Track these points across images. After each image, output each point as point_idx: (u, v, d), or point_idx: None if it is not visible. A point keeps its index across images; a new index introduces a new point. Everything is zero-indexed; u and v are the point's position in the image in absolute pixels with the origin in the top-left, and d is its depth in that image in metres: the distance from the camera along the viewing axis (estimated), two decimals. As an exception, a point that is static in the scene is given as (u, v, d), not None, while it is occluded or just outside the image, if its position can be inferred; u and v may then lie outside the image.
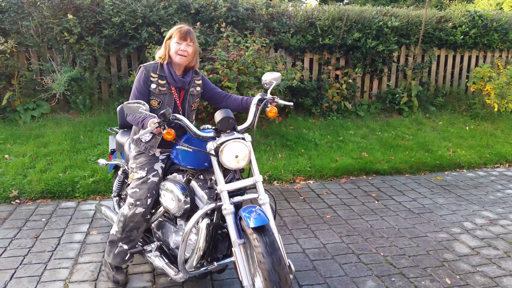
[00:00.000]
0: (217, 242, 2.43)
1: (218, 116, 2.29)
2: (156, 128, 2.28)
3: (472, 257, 3.31)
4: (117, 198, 3.45)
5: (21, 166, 4.78)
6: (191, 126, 2.36)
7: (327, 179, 5.14)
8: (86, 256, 3.24)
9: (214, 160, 2.30)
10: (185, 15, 6.34)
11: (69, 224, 3.81)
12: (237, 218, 2.21)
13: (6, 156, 4.96)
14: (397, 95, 7.19)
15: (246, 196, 2.35)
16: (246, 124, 2.45)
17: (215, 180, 2.37)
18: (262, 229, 2.07)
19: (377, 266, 3.14)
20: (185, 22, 3.53)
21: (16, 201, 4.29)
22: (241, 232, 2.20)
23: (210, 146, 2.30)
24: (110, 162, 3.56)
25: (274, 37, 6.65)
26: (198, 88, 2.78)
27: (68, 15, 5.74)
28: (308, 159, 5.43)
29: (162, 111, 2.24)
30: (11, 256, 3.24)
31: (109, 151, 3.68)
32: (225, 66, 5.38)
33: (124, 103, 2.28)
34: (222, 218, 2.33)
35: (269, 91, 2.64)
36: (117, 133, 3.42)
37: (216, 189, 2.36)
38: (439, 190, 4.83)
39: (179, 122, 2.35)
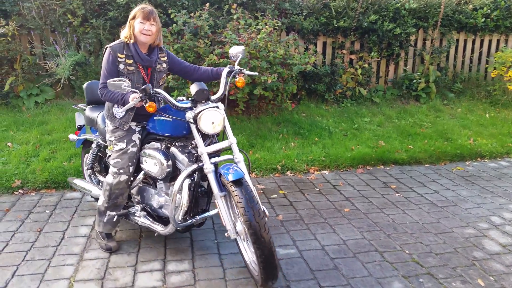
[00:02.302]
0: (198, 199, 2.79)
1: (194, 88, 2.59)
2: (138, 102, 2.56)
3: (504, 256, 3.08)
4: (90, 170, 3.66)
5: (24, 155, 4.59)
6: (170, 99, 2.62)
7: (342, 169, 4.90)
8: (92, 252, 3.05)
9: (193, 127, 2.62)
10: (194, -4, 6.06)
11: (74, 217, 3.62)
12: (217, 175, 2.58)
13: (9, 143, 4.77)
14: (414, 81, 6.89)
15: (222, 157, 2.71)
16: (218, 94, 2.75)
17: (194, 145, 2.74)
18: (239, 182, 2.45)
19: (403, 266, 2.92)
20: (147, 2, 3.60)
21: (19, 191, 4.11)
22: (221, 186, 2.58)
23: (189, 115, 2.60)
24: (80, 137, 3.70)
25: (286, 19, 6.35)
26: (164, 65, 2.98)
27: (72, -4, 5.49)
28: (322, 148, 5.19)
29: (143, 87, 2.51)
30: (13, 251, 3.06)
31: (76, 127, 3.82)
32: (236, 49, 5.11)
33: (108, 81, 2.49)
34: (201, 178, 2.74)
35: (236, 63, 2.91)
36: (84, 109, 3.61)
37: (194, 153, 2.75)
38: (461, 181, 4.58)
39: (158, 95, 2.64)
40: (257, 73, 3.27)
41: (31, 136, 4.96)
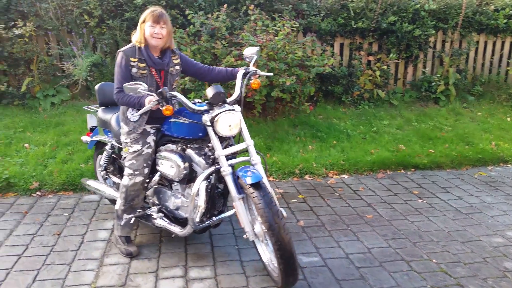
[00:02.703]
0: (215, 200, 2.81)
1: (210, 91, 2.59)
2: (155, 105, 2.56)
3: (537, 267, 2.97)
4: (103, 172, 3.62)
5: (42, 156, 4.57)
6: (187, 101, 2.63)
7: (362, 173, 4.81)
8: (112, 257, 3.01)
9: (210, 130, 2.61)
10: (210, -3, 6.00)
11: (93, 220, 3.58)
12: (235, 178, 2.58)
13: (26, 145, 4.76)
14: (434, 83, 6.76)
15: (239, 159, 2.71)
16: (234, 96, 2.74)
17: (211, 147, 2.73)
18: (258, 185, 2.45)
19: (431, 276, 2.83)
20: (157, 5, 3.71)
21: (37, 193, 4.09)
22: (239, 188, 2.57)
23: (206, 118, 2.60)
24: (93, 139, 3.68)
25: (303, 20, 6.27)
26: (177, 67, 2.98)
27: (89, -4, 5.47)
28: (341, 152, 5.10)
29: (159, 90, 2.53)
30: (34, 255, 3.03)
31: (88, 128, 3.81)
32: (254, 51, 5.04)
33: (125, 84, 2.51)
34: (218, 180, 2.75)
35: (251, 64, 2.91)
36: (96, 111, 3.59)
37: (210, 155, 2.76)
38: (484, 187, 4.46)
39: (174, 98, 2.65)
40: (271, 74, 3.25)
41: (48, 137, 4.94)
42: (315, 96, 6.39)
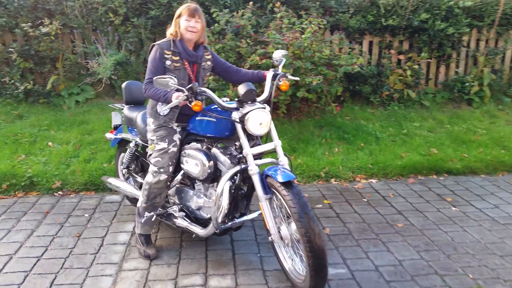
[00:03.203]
0: (238, 202, 2.73)
1: (243, 88, 2.54)
2: (184, 100, 2.50)
3: None
4: (125, 170, 3.59)
5: (65, 155, 4.55)
6: (217, 98, 2.57)
7: (391, 178, 4.60)
8: (132, 262, 2.92)
9: (239, 127, 2.55)
10: (236, -6, 5.88)
11: (113, 222, 3.52)
12: (262, 177, 2.50)
13: (50, 143, 4.75)
14: (467, 84, 6.46)
15: (266, 160, 2.66)
16: (263, 96, 2.71)
17: (237, 146, 2.69)
18: (290, 184, 2.37)
19: (468, 293, 2.63)
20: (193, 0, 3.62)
21: (59, 192, 4.06)
22: (266, 188, 2.50)
23: (236, 115, 2.55)
24: (117, 136, 3.64)
25: (331, 17, 6.08)
26: (209, 63, 2.99)
27: (114, -6, 5.43)
28: (369, 155, 4.90)
29: (189, 85, 2.46)
30: (52, 257, 2.97)
31: (112, 126, 3.77)
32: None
33: (154, 78, 2.46)
34: (242, 181, 2.67)
35: (280, 67, 2.89)
36: (121, 109, 3.59)
37: (236, 155, 2.69)
38: (523, 195, 4.19)
39: (205, 94, 2.58)
40: (298, 79, 3.29)
41: (72, 135, 4.93)
42: (341, 96, 6.20)
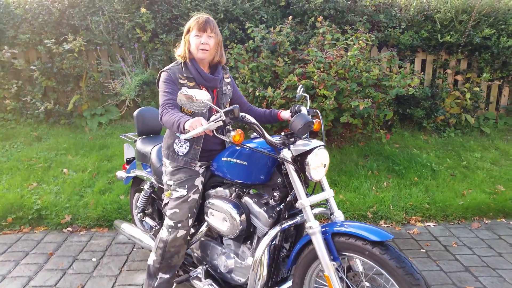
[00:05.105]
0: (279, 265, 2.21)
1: (299, 121, 2.00)
2: (216, 127, 1.87)
3: None
4: (141, 214, 3.03)
5: (79, 184, 4.11)
6: (263, 129, 1.96)
7: (452, 221, 3.88)
8: (136, 330, 2.38)
9: (291, 169, 1.99)
10: (273, 8, 5.38)
11: (123, 270, 3.00)
12: (327, 238, 1.92)
13: (65, 170, 4.34)
14: (536, 109, 5.64)
15: (317, 210, 2.19)
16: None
17: (275, 196, 2.15)
18: (385, 246, 1.78)
19: None
20: (205, 12, 2.97)
21: (68, 228, 3.62)
22: (334, 251, 1.91)
23: (287, 153, 1.99)
24: (129, 174, 3.12)
25: (379, 33, 5.45)
26: (229, 87, 2.49)
27: (141, 9, 5.02)
28: (425, 191, 4.20)
29: (229, 108, 1.85)
30: (44, 318, 2.47)
31: (124, 160, 3.24)
32: (321, 69, 4.30)
33: (180, 91, 1.86)
34: (284, 239, 2.20)
35: (308, 104, 2.42)
36: (134, 140, 3.08)
37: (273, 206, 2.14)
38: None
39: (247, 122, 1.93)
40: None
41: (89, 161, 4.50)
42: (390, 121, 5.51)
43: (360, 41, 4.41)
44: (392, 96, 4.42)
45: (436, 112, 5.52)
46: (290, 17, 4.90)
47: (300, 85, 2.53)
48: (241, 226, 2.15)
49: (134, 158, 3.19)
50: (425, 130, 5.57)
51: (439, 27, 5.45)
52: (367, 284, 1.89)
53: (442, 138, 5.46)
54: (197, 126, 1.88)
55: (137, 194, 3.18)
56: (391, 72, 4.78)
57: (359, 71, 4.40)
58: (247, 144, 2.07)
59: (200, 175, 2.37)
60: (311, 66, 4.34)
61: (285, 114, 2.43)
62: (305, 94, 2.48)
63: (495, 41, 5.38)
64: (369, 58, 4.94)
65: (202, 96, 1.84)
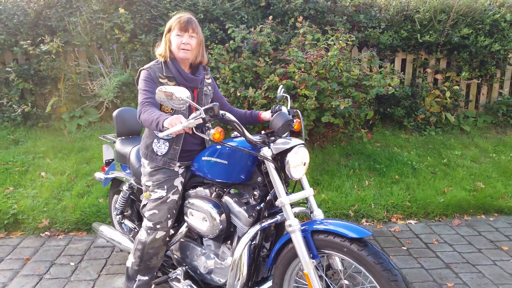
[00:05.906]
0: (259, 265, 2.19)
1: (279, 119, 2.01)
2: (196, 125, 1.84)
3: None
4: (119, 216, 2.97)
5: (57, 187, 4.03)
6: (243, 128, 1.96)
7: (433, 218, 3.91)
8: (114, 335, 2.32)
9: (271, 168, 1.97)
10: (254, 9, 5.37)
11: (102, 274, 2.95)
12: (305, 235, 1.91)
13: (43, 173, 4.24)
14: (514, 106, 5.74)
15: (297, 209, 2.17)
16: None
17: (256, 196, 2.12)
18: (363, 242, 1.78)
19: None
20: (187, 11, 2.95)
21: (46, 233, 3.54)
22: (313, 249, 1.89)
23: (267, 152, 1.98)
24: (108, 176, 3.06)
25: (360, 33, 5.48)
26: (210, 88, 2.47)
27: (120, 9, 4.95)
28: (406, 189, 4.23)
29: (209, 106, 1.82)
30: (19, 325, 2.40)
31: (103, 161, 3.17)
32: (302, 69, 4.30)
33: (159, 88, 1.81)
34: (264, 238, 2.19)
35: (289, 105, 2.46)
36: (113, 141, 3.02)
37: (254, 205, 2.12)
38: None
39: (227, 120, 1.91)
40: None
41: (68, 164, 4.42)
42: (371, 120, 5.55)
43: (341, 41, 4.42)
44: (372, 96, 4.44)
45: (417, 111, 5.57)
46: (271, 18, 4.89)
47: (281, 86, 2.52)
48: (221, 226, 2.13)
49: (113, 160, 3.13)
50: (406, 129, 5.62)
51: (419, 27, 5.51)
52: (346, 282, 1.88)
53: (422, 136, 5.51)
54: (176, 124, 1.86)
55: (116, 196, 3.13)
56: (372, 72, 4.82)
57: (340, 71, 4.41)
58: (227, 143, 2.04)
59: (180, 175, 2.34)
60: (292, 66, 4.33)
61: (266, 114, 2.42)
62: (286, 95, 2.48)
63: (473, 40, 5.46)
64: (350, 58, 4.96)
65: (182, 93, 1.81)
